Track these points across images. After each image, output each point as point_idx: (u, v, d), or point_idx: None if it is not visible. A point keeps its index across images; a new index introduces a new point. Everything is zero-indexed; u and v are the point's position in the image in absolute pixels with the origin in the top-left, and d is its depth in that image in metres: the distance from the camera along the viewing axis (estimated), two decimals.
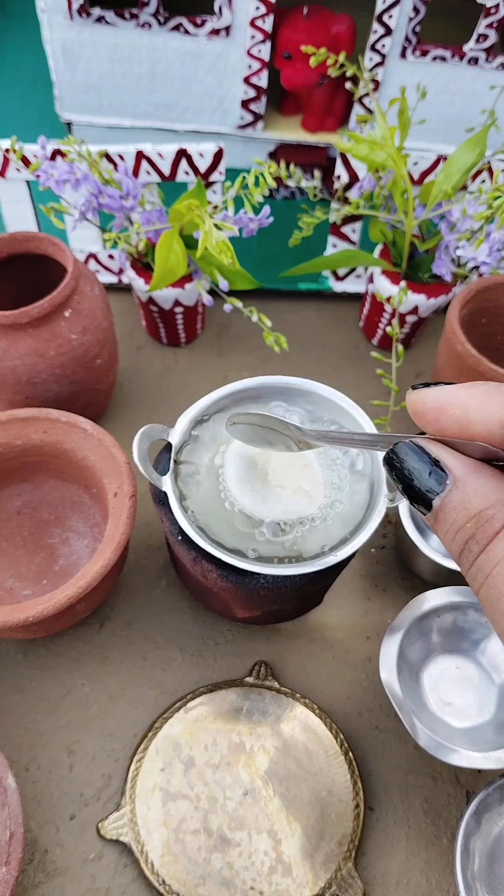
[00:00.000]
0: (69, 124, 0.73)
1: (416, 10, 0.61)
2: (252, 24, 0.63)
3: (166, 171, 0.59)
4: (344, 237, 0.66)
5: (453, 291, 0.59)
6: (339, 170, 0.60)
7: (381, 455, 0.38)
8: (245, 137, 0.74)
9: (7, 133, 0.57)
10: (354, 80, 0.65)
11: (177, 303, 0.60)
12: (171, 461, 0.39)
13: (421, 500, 0.23)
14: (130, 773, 0.44)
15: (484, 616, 0.45)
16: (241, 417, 0.35)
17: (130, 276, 0.59)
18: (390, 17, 0.62)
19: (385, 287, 0.60)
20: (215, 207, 0.54)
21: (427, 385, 0.24)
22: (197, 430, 0.40)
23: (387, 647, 0.43)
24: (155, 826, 0.42)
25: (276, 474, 0.39)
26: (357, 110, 0.69)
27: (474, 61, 0.65)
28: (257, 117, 0.71)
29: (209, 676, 0.48)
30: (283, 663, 0.49)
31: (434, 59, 0.65)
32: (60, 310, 0.49)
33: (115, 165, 0.57)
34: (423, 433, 0.24)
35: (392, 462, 0.24)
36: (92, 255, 0.66)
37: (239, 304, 0.57)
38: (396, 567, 0.54)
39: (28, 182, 0.60)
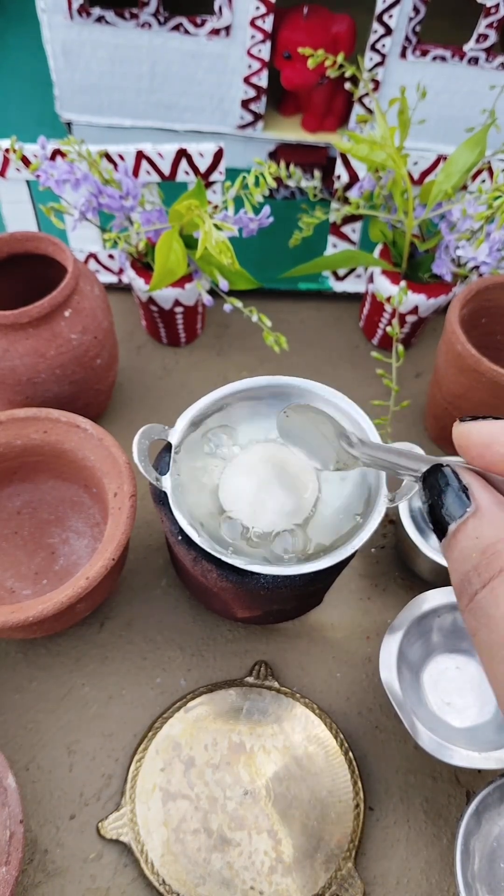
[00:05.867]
0: (69, 124, 0.73)
1: (416, 9, 0.61)
2: (252, 23, 0.63)
3: (166, 171, 0.59)
4: (344, 237, 0.66)
5: (453, 291, 0.59)
6: (339, 170, 0.60)
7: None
8: (245, 137, 0.74)
9: (7, 133, 0.57)
10: (354, 80, 0.65)
11: (177, 303, 0.60)
12: (171, 461, 0.39)
13: (440, 523, 0.22)
14: (130, 772, 0.44)
15: None
16: (300, 410, 0.33)
17: (130, 276, 0.59)
18: (390, 16, 0.62)
19: (385, 287, 0.60)
20: (215, 207, 0.54)
21: (475, 418, 0.23)
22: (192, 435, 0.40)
23: (387, 647, 0.43)
24: (155, 826, 0.42)
25: (270, 482, 0.39)
26: (357, 110, 0.69)
27: (474, 61, 0.65)
28: (257, 117, 0.71)
29: (209, 676, 0.48)
30: (283, 663, 0.49)
31: (434, 59, 0.65)
32: (60, 310, 0.49)
33: (115, 165, 0.57)
34: None
35: (426, 481, 0.23)
36: (92, 255, 0.66)
37: (239, 304, 0.57)
38: (396, 567, 0.54)
39: (28, 182, 0.60)
